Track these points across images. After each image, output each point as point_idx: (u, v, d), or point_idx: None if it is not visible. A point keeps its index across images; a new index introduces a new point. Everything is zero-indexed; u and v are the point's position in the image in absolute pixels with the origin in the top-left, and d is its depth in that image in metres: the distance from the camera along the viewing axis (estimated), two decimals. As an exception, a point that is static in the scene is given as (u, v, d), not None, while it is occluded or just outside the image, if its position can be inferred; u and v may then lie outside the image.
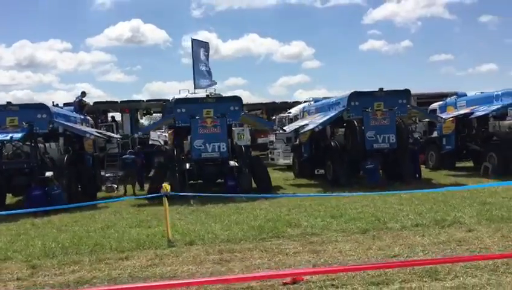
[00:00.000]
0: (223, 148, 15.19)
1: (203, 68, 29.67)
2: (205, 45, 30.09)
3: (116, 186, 18.82)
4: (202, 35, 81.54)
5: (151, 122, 24.32)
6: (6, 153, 14.81)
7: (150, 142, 21.77)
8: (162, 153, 21.68)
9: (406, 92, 16.31)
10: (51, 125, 14.72)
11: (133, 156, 18.96)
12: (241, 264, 6.70)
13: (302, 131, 17.30)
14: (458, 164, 21.60)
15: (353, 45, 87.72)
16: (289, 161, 23.58)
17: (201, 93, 22.08)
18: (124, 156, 18.92)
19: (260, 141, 27.78)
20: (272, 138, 25.47)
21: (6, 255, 7.91)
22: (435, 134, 21.53)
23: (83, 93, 19.66)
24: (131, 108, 26.43)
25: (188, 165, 15.49)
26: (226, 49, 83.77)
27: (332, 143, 17.53)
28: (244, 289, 5.46)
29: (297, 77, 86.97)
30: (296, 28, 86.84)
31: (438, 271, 5.61)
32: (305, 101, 29.56)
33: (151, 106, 27.44)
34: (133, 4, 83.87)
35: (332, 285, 5.41)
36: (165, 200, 8.45)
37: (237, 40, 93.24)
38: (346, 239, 7.87)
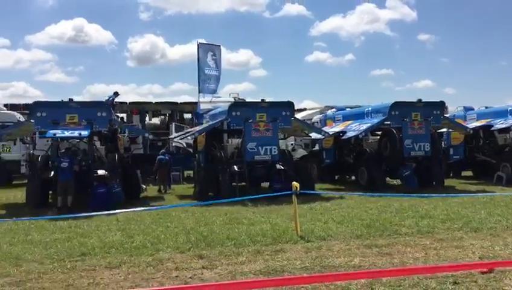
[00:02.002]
0: (275, 152, 15.67)
1: (210, 72, 29.78)
2: (214, 49, 30.17)
3: (144, 186, 18.89)
4: (149, 39, 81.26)
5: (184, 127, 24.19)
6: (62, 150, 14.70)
7: (174, 144, 21.93)
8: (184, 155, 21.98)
9: (441, 104, 17.39)
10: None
11: (167, 157, 19.24)
12: (405, 257, 7.26)
13: (344, 137, 17.97)
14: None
15: (299, 56, 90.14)
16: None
17: (225, 98, 22.44)
18: (159, 157, 19.08)
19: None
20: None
21: (155, 248, 8.12)
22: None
23: (116, 94, 19.52)
24: (140, 109, 26.40)
25: (236, 167, 15.84)
26: (173, 54, 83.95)
27: (367, 149, 18.32)
28: (450, 277, 6.01)
29: (242, 84, 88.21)
30: (244, 37, 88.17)
31: None
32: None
33: (161, 108, 27.48)
34: (77, 3, 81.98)
35: (529, 273, 6.08)
36: (295, 198, 8.90)
37: (185, 45, 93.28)
38: (470, 236, 8.58)
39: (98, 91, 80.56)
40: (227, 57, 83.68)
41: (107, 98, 20.02)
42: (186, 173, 24.84)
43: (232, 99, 22.03)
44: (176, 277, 6.53)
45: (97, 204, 13.07)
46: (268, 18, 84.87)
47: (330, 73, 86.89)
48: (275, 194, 11.07)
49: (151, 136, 17.10)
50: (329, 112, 22.23)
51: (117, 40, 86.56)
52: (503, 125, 18.81)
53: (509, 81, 78.80)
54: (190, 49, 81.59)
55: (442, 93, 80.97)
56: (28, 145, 23.89)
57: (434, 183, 17.60)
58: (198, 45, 30.13)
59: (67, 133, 13.46)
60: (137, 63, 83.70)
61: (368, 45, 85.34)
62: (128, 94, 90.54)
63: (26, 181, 22.91)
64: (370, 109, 18.35)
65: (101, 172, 14.77)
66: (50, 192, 15.22)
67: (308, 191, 12.41)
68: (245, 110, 15.72)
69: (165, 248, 8.12)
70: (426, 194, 13.71)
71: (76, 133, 13.49)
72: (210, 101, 21.78)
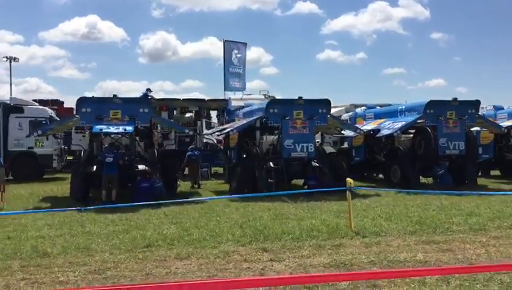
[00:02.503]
0: (311, 149, 15.84)
1: (235, 70, 30.09)
2: (239, 46, 30.47)
3: (178, 182, 19.12)
4: (160, 36, 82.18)
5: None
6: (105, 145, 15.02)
7: (204, 141, 22.22)
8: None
9: (476, 102, 17.39)
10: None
11: (197, 153, 19.46)
12: (467, 253, 7.41)
13: (379, 135, 18.00)
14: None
15: (310, 54, 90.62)
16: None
17: (255, 95, 22.64)
18: (189, 153, 19.32)
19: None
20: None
21: (216, 241, 8.34)
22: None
23: (149, 90, 19.92)
24: (169, 106, 26.66)
25: (272, 164, 16.03)
26: (184, 51, 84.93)
27: (401, 147, 18.40)
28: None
29: (253, 82, 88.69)
30: (255, 34, 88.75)
31: None
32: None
33: (188, 104, 27.76)
34: (90, 0, 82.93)
35: None
36: (349, 194, 9.07)
37: (196, 42, 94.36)
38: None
39: (110, 87, 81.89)
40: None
41: (141, 94, 20.38)
42: (213, 169, 25.12)
43: (262, 97, 22.28)
44: (248, 268, 6.74)
45: (141, 198, 13.32)
46: (279, 16, 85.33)
47: (341, 71, 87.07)
48: (328, 189, 11.24)
49: (191, 132, 17.36)
50: (359, 110, 22.31)
51: (129, 37, 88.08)
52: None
53: (523, 79, 78.36)
54: (202, 46, 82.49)
55: (454, 92, 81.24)
56: (59, 140, 24.38)
57: (467, 182, 17.64)
58: (224, 42, 30.53)
59: (112, 129, 13.76)
60: (149, 60, 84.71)
61: (380, 43, 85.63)
62: (140, 91, 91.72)
63: (57, 175, 23.60)
64: (403, 107, 18.41)
65: (141, 167, 15.05)
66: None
67: (368, 188, 12.53)
68: (282, 108, 15.89)
69: (225, 241, 8.34)
70: (461, 192, 13.87)
71: (121, 129, 13.78)
72: (241, 98, 21.99)
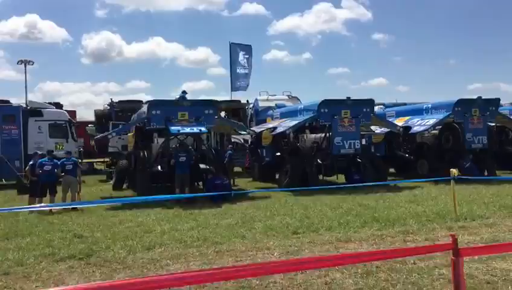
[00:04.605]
0: (357, 145, 17.03)
1: (242, 71, 31.00)
2: (245, 48, 31.41)
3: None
4: (104, 36, 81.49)
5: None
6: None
7: (233, 140, 22.93)
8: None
9: (497, 100, 19.12)
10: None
11: (233, 152, 20.19)
12: None
13: (411, 131, 19.29)
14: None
15: (257, 54, 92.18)
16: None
17: (279, 96, 23.51)
18: (229, 152, 19.99)
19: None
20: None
21: (350, 226, 9.29)
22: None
23: (185, 92, 20.37)
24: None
25: (319, 160, 17.12)
26: (130, 52, 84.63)
27: (428, 143, 19.91)
28: None
29: (201, 82, 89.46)
30: (202, 34, 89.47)
31: None
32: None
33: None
34: None
35: None
36: (453, 183, 10.25)
37: (142, 42, 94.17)
38: None
39: (51, 89, 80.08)
40: (186, 54, 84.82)
41: (178, 97, 20.86)
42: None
43: (286, 97, 23.23)
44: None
45: (215, 194, 14.07)
46: (226, 16, 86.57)
47: (288, 71, 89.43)
48: (432, 179, 12.35)
49: (251, 133, 18.12)
50: (377, 109, 23.64)
51: (72, 37, 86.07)
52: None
53: (457, 78, 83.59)
54: (148, 46, 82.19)
55: (395, 91, 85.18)
56: (78, 142, 24.51)
57: (486, 173, 19.28)
58: (230, 45, 31.35)
59: (187, 129, 14.40)
60: (92, 60, 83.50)
61: (325, 43, 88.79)
62: (83, 92, 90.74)
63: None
64: (430, 105, 19.88)
65: (202, 166, 15.75)
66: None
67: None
68: (332, 107, 16.99)
69: (357, 227, 9.29)
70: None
71: (196, 129, 14.43)
72: (267, 99, 22.84)
